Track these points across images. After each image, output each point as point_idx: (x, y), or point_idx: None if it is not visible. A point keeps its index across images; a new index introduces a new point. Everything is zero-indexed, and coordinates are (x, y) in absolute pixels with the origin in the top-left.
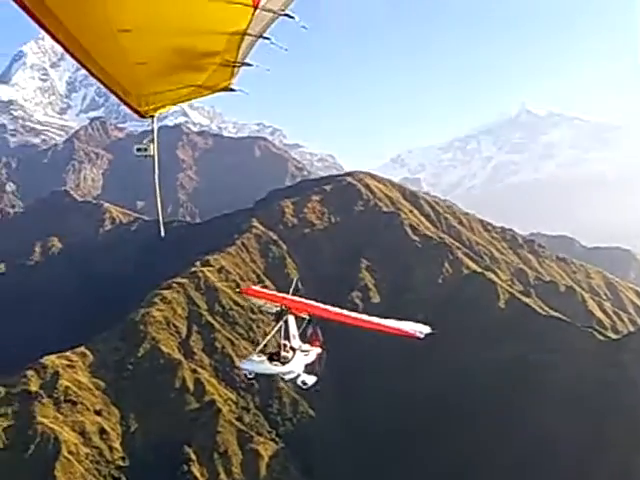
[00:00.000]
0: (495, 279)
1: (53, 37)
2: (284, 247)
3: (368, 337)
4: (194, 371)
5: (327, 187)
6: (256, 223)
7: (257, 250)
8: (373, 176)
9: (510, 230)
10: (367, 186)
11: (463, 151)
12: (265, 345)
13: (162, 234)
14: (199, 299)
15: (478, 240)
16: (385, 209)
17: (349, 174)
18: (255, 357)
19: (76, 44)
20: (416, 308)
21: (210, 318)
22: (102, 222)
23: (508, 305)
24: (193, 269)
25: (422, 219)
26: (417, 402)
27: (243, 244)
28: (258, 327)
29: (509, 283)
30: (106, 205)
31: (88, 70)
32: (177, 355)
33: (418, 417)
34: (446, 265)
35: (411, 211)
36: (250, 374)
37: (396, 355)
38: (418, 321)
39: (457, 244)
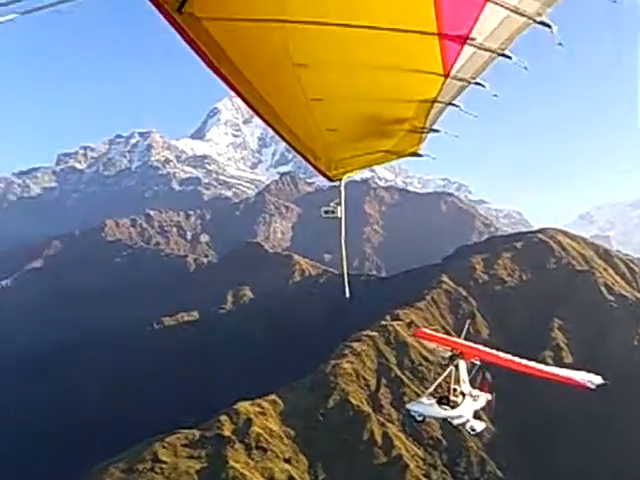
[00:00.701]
0: None
1: (246, 102)
2: (474, 304)
3: (555, 394)
4: (382, 425)
5: (517, 244)
6: (446, 279)
7: (447, 306)
8: (565, 233)
9: None
10: (559, 243)
11: None
12: (435, 389)
13: (347, 295)
14: (388, 353)
15: None
16: (578, 267)
17: (540, 231)
18: (424, 400)
19: (269, 110)
20: (610, 370)
21: (399, 372)
22: (292, 273)
23: None
24: (383, 322)
25: (617, 278)
26: (606, 462)
27: (433, 299)
28: (447, 383)
29: None
30: (296, 257)
31: (278, 133)
32: (366, 408)
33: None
34: None
35: (605, 269)
36: (419, 416)
37: (583, 415)
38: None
39: None
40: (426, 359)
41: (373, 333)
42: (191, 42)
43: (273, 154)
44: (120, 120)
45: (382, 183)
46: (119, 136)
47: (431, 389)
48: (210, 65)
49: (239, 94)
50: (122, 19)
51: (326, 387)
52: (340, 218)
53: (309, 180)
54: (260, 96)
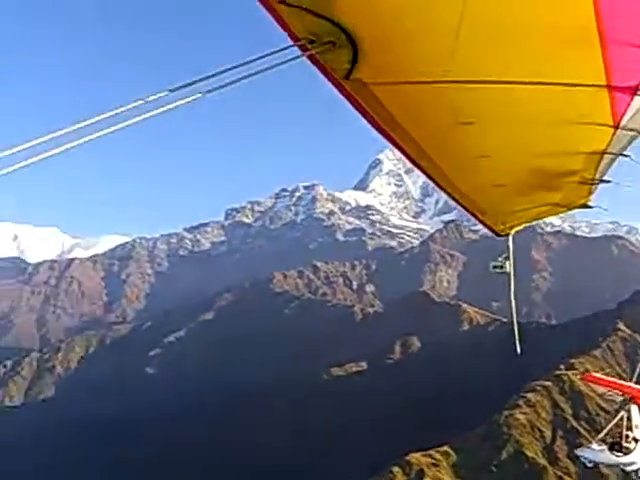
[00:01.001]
0: None
1: (410, 160)
2: None
3: None
4: (559, 478)
5: None
6: (622, 325)
7: (622, 353)
8: None
9: None
10: None
11: None
12: (607, 434)
13: (518, 351)
14: (563, 403)
15: None
16: None
17: None
18: (595, 446)
19: (434, 167)
20: None
21: (575, 423)
22: (460, 322)
23: None
24: (557, 372)
25: None
26: None
27: (609, 347)
28: (619, 428)
29: None
30: (464, 306)
31: (443, 189)
32: (541, 460)
33: None
34: None
35: None
36: (589, 463)
37: None
38: None
39: None
40: (603, 409)
41: (547, 383)
42: (358, 106)
43: (436, 202)
44: (285, 174)
45: (549, 229)
46: (284, 190)
47: (602, 435)
48: (377, 127)
49: (404, 152)
50: (281, 77)
51: (500, 438)
52: (509, 273)
53: (473, 228)
54: (426, 154)
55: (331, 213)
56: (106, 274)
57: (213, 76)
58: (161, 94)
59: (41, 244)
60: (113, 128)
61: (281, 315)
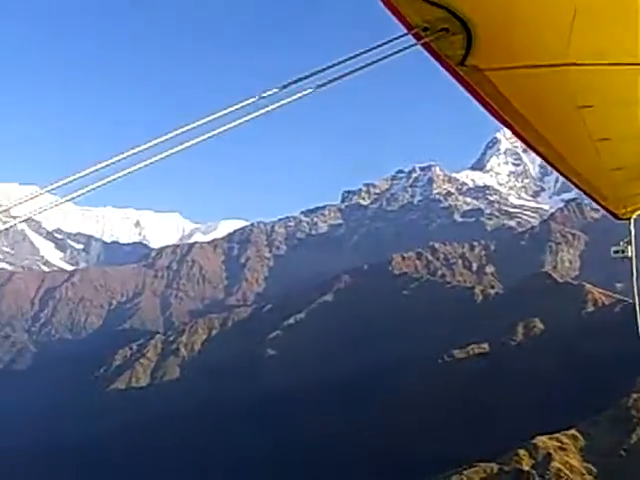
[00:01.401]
0: None
1: (528, 145)
2: None
3: None
4: None
5: None
6: None
7: None
8: None
9: None
10: None
11: None
12: None
13: None
14: None
15: None
16: None
17: None
18: None
19: (553, 152)
20: None
21: None
22: (584, 304)
23: None
24: None
25: None
26: None
27: None
28: None
29: None
30: (588, 287)
31: (561, 173)
32: None
33: None
34: None
35: None
36: None
37: None
38: None
39: None
40: None
41: None
42: (474, 92)
43: (556, 181)
44: (401, 156)
45: None
46: (400, 172)
47: None
48: (493, 113)
49: (521, 137)
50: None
51: (629, 422)
52: (631, 258)
53: (595, 206)
54: (544, 139)
55: (448, 194)
56: (226, 258)
57: (326, 70)
58: (274, 90)
59: (162, 229)
60: (228, 126)
61: (400, 297)
